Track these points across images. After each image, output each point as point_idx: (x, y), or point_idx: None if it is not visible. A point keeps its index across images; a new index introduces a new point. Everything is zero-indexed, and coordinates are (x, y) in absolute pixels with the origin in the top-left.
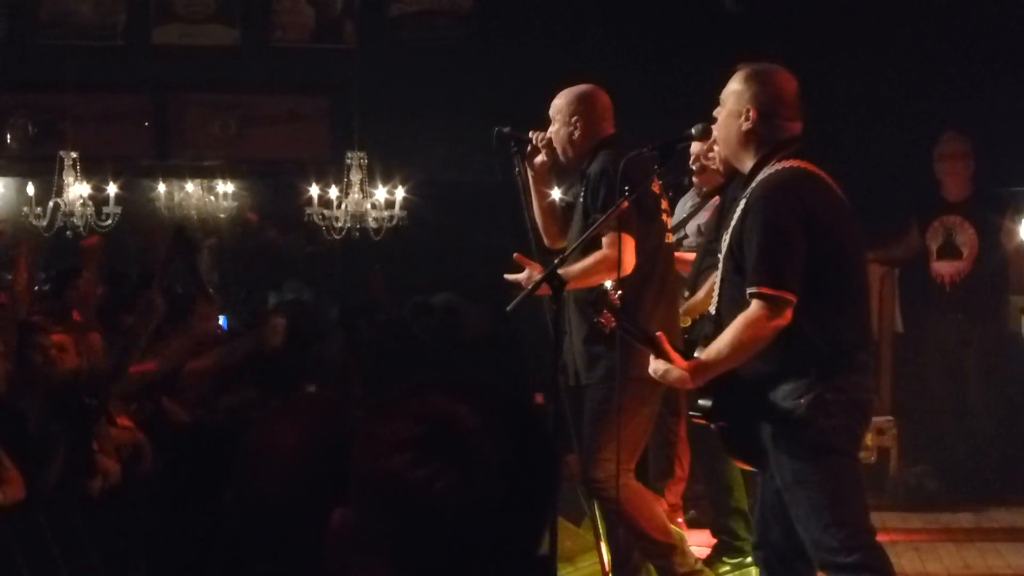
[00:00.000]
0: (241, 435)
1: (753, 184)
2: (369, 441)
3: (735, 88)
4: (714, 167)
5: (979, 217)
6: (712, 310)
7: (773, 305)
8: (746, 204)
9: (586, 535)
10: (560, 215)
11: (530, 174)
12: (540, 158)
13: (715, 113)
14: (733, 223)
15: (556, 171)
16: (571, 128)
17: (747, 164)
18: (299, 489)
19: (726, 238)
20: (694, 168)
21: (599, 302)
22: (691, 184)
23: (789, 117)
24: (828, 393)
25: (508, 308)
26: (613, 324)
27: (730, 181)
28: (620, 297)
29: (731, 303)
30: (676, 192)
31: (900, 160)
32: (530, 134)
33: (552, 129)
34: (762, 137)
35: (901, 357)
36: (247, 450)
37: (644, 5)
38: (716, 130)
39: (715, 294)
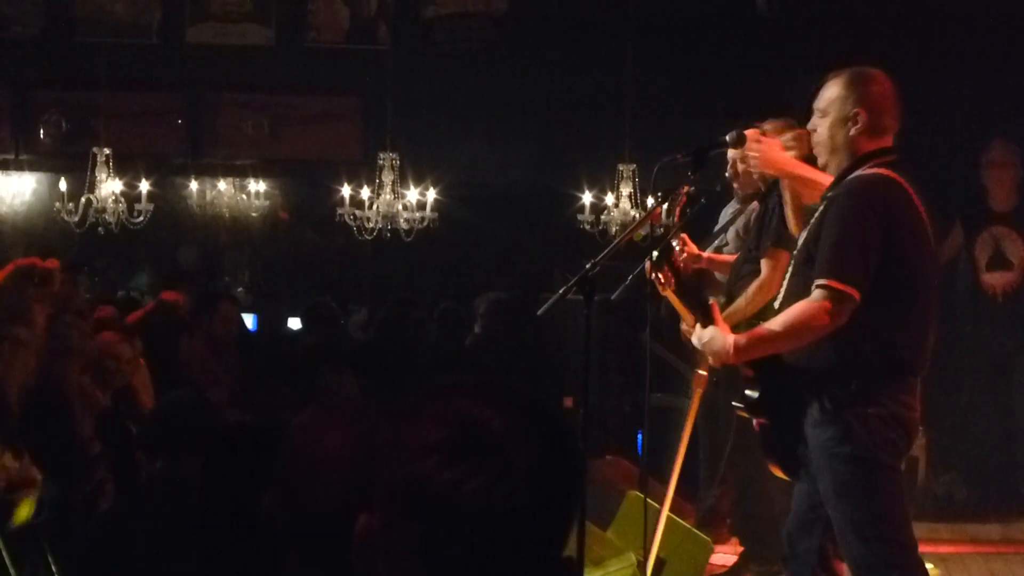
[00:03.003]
0: (281, 439)
1: (841, 183)
2: (396, 444)
3: (838, 93)
4: (755, 175)
5: None
6: (776, 305)
7: (837, 299)
8: (830, 200)
9: (615, 539)
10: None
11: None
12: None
13: (813, 122)
14: (814, 218)
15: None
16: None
17: (841, 167)
18: (341, 494)
19: (804, 234)
20: (728, 175)
21: (663, 258)
22: (723, 190)
23: (891, 122)
24: (872, 407)
25: (539, 312)
26: (672, 283)
27: (771, 190)
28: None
29: (796, 298)
30: (709, 198)
31: (947, 166)
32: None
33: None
34: (862, 142)
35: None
36: (289, 454)
37: (677, 8)
38: (816, 136)
39: (782, 289)
